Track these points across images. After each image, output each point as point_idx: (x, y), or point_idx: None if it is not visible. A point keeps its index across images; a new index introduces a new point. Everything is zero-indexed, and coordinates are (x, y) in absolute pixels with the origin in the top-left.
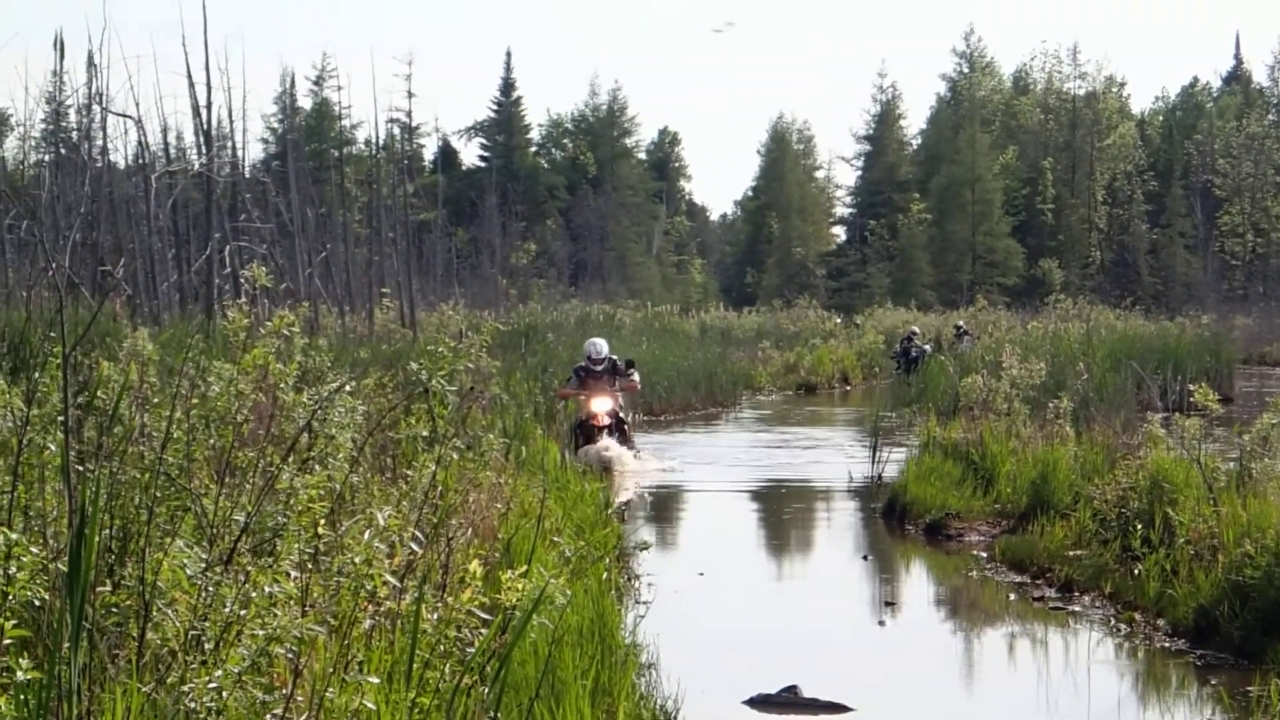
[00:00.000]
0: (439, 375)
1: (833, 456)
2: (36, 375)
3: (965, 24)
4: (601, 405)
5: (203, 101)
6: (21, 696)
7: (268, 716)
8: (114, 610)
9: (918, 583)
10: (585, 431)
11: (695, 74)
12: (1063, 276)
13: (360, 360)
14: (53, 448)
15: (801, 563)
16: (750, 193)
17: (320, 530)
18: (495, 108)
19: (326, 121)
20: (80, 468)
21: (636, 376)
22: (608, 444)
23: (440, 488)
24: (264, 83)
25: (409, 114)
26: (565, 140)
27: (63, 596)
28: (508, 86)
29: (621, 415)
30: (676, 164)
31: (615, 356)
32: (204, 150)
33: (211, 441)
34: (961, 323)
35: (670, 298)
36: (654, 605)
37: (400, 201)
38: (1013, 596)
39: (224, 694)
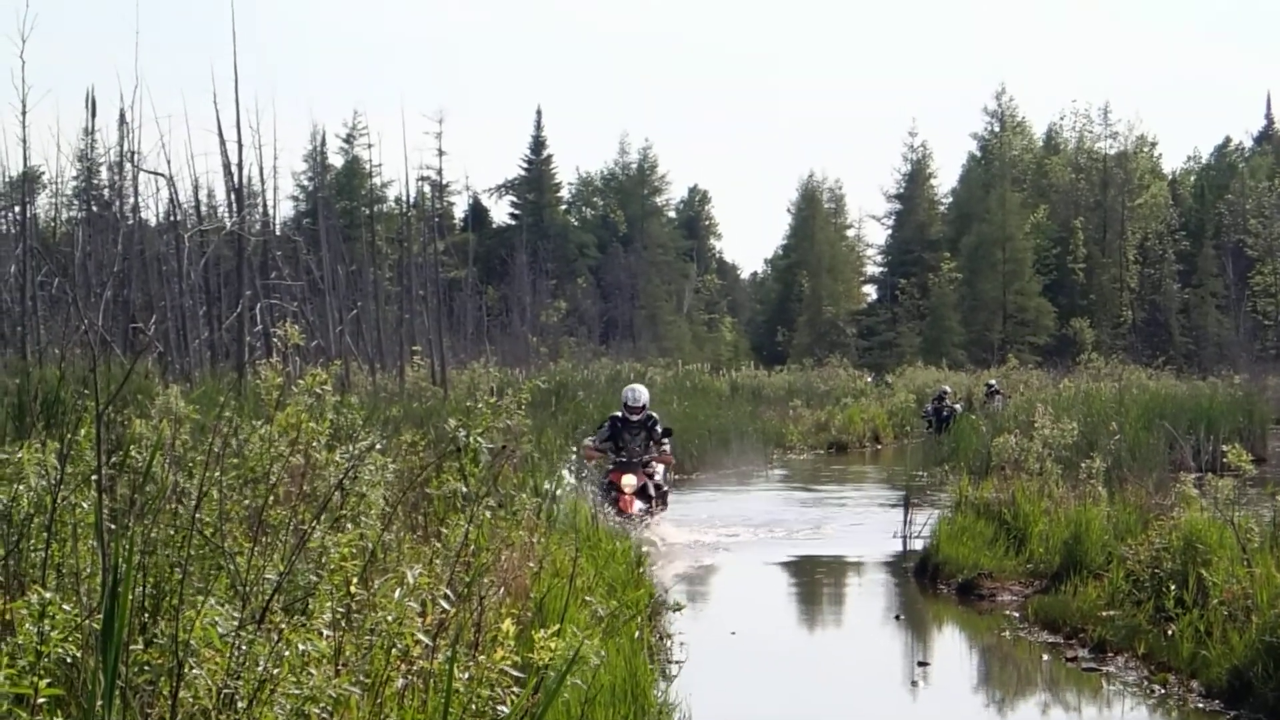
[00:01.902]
0: (476, 433)
1: (864, 516)
2: (70, 434)
3: (996, 83)
4: (630, 484)
5: (234, 159)
6: None
7: None
8: (147, 668)
9: (950, 642)
10: (612, 502)
11: (725, 132)
12: (1094, 336)
13: (392, 418)
14: (86, 505)
15: (834, 622)
16: (781, 251)
17: (353, 589)
18: (525, 165)
19: (357, 179)
20: (113, 526)
21: (669, 447)
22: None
23: (473, 546)
24: (295, 140)
25: (439, 171)
26: (595, 198)
27: (96, 654)
28: (538, 144)
29: (656, 483)
30: (707, 222)
31: (655, 415)
32: (235, 208)
33: (245, 500)
34: (993, 381)
35: (701, 356)
36: (686, 665)
37: (431, 259)
38: (1046, 657)
39: None
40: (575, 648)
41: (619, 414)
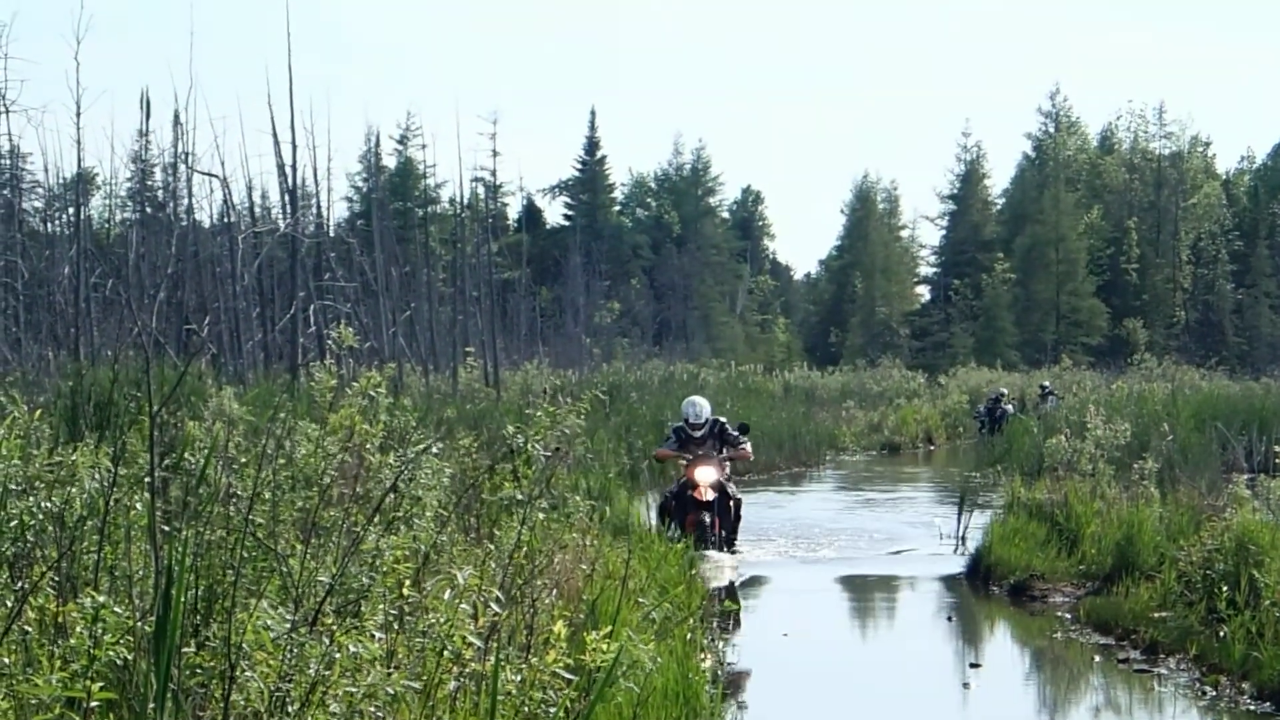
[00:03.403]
0: (533, 438)
1: (917, 517)
2: (123, 435)
3: (1051, 83)
4: (706, 476)
5: (288, 161)
6: None
7: None
8: (199, 671)
9: (1002, 644)
10: (685, 503)
11: (779, 132)
12: (1147, 336)
13: (445, 420)
14: (139, 508)
15: (886, 623)
16: (834, 251)
17: (405, 591)
18: (579, 166)
19: (411, 180)
20: (166, 528)
21: (749, 445)
22: (719, 560)
23: (526, 548)
24: (349, 141)
25: (493, 172)
26: (649, 199)
27: (148, 657)
28: (592, 145)
29: (731, 490)
30: (760, 222)
31: (723, 419)
32: (289, 209)
33: (298, 503)
34: (1047, 383)
35: (754, 357)
36: (738, 667)
37: (485, 260)
38: (1098, 658)
39: None
40: (626, 649)
41: (682, 425)
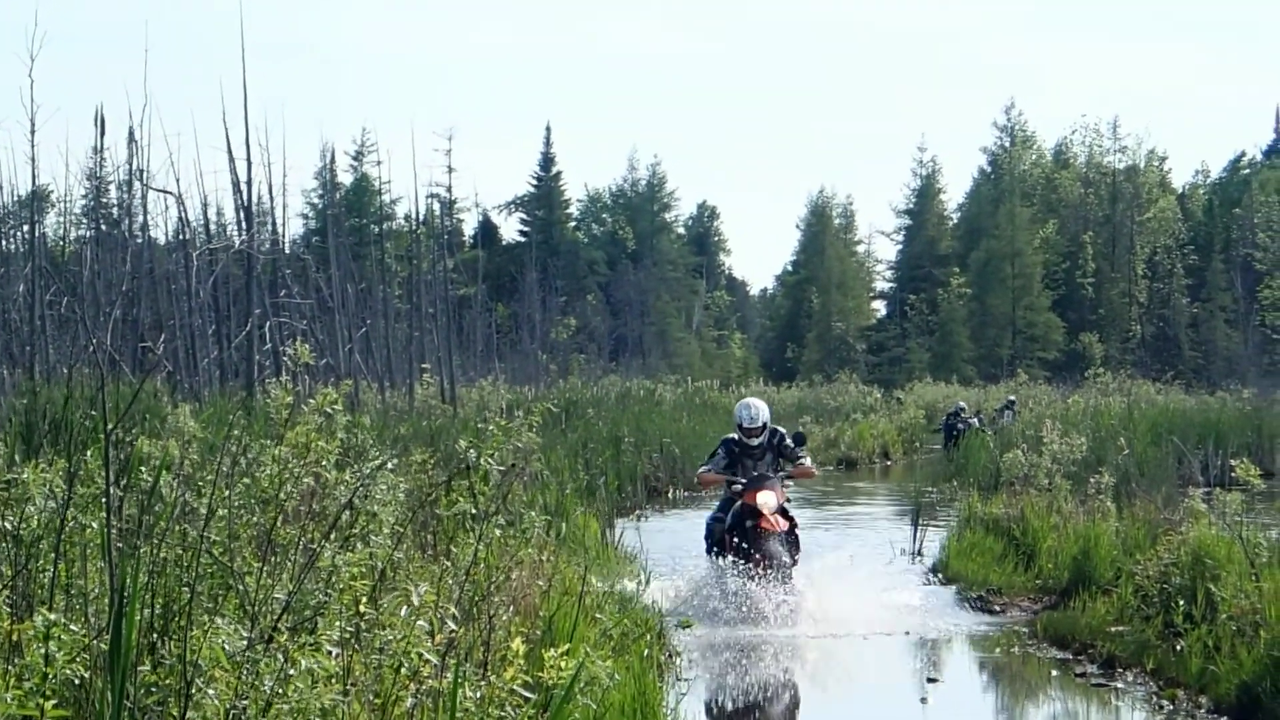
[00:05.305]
0: (487, 453)
1: (873, 533)
2: (78, 454)
3: (1006, 98)
4: (768, 502)
5: (243, 178)
6: None
7: None
8: (155, 689)
9: (960, 658)
10: (747, 535)
11: (734, 149)
12: (1103, 350)
13: (401, 436)
14: (95, 526)
15: (844, 637)
16: (790, 267)
17: (362, 608)
18: (535, 182)
19: (366, 197)
20: (121, 545)
21: (808, 461)
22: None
23: (483, 564)
24: (304, 159)
25: (449, 189)
26: (604, 215)
27: (104, 675)
28: (547, 161)
29: (789, 513)
30: (716, 238)
31: (782, 429)
32: (244, 226)
33: (254, 519)
34: (1013, 397)
35: (710, 373)
36: (694, 683)
37: (440, 277)
38: (1055, 673)
39: None
40: (584, 666)
41: (733, 436)
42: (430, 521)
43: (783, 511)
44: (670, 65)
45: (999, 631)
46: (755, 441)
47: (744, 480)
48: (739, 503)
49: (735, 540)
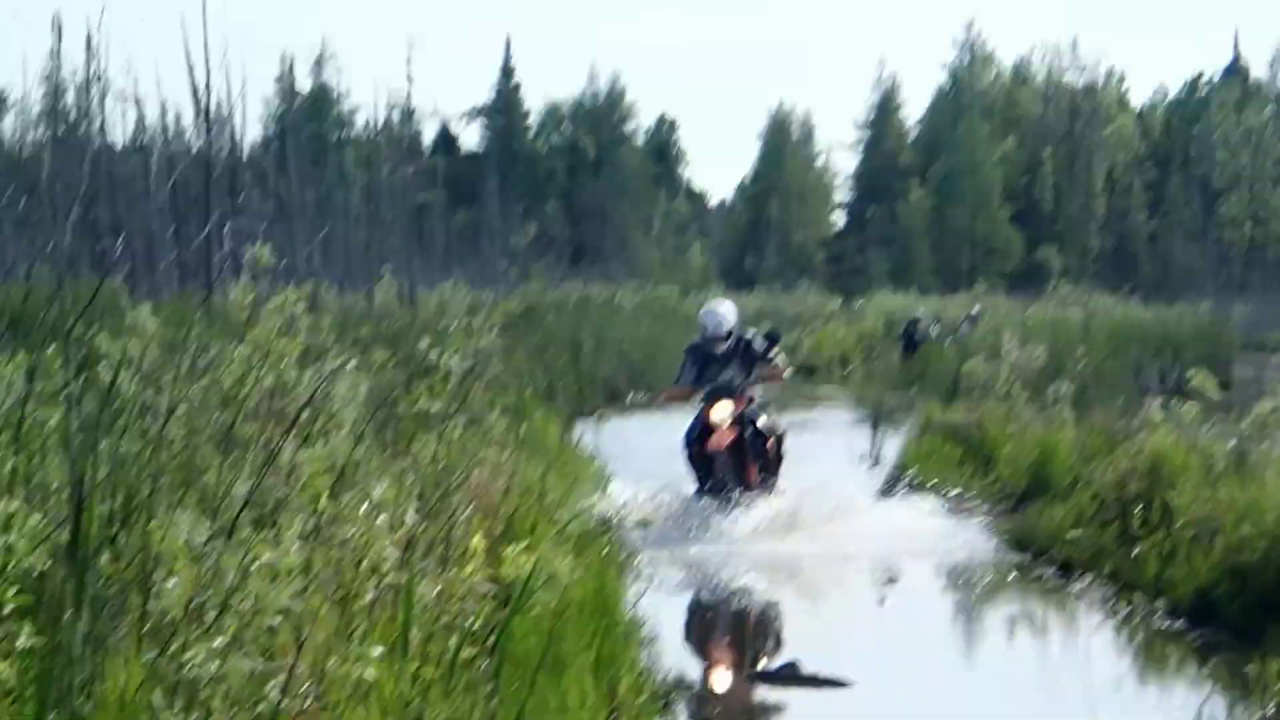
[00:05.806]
0: (450, 354)
1: (832, 437)
2: (38, 350)
3: (966, 15)
4: (721, 413)
5: (201, 82)
6: (25, 663)
7: (269, 685)
8: (116, 581)
9: (917, 561)
10: (705, 456)
11: (694, 61)
12: (1062, 263)
13: (361, 338)
14: (54, 422)
15: (802, 541)
16: (750, 179)
17: (322, 504)
18: (495, 93)
19: (326, 105)
20: (82, 435)
21: (782, 360)
22: None
23: (443, 463)
24: (264, 66)
25: (409, 96)
26: (565, 125)
27: (65, 566)
28: (508, 72)
29: (764, 424)
30: (676, 150)
31: (750, 333)
32: (203, 131)
33: (215, 416)
34: (978, 307)
35: (670, 280)
36: (654, 581)
37: (400, 182)
38: (1013, 575)
39: (225, 661)
40: (543, 562)
41: (698, 341)
42: (392, 420)
43: (748, 420)
44: None
45: (957, 537)
46: (721, 349)
47: (704, 390)
48: (696, 417)
49: (694, 453)
